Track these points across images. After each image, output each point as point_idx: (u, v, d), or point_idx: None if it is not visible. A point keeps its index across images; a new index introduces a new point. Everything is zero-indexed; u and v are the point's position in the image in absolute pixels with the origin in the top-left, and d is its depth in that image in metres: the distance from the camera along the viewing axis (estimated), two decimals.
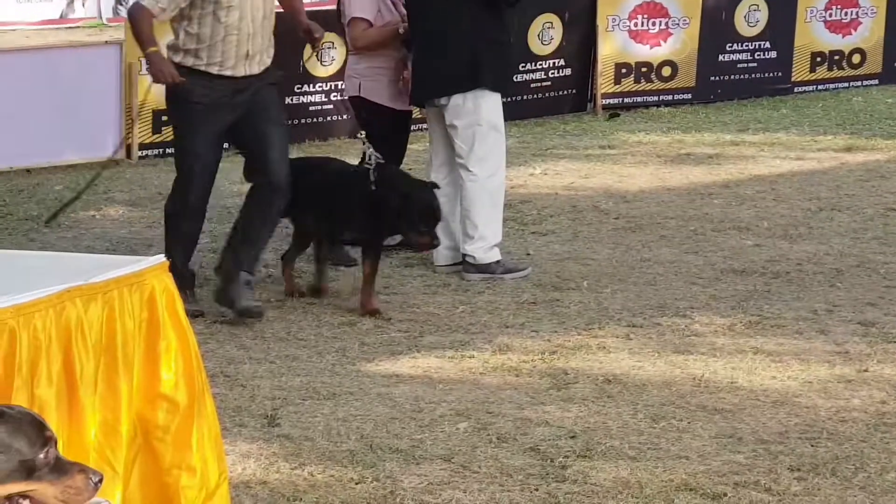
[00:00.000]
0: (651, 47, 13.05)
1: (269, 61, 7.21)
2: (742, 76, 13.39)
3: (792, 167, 10.64)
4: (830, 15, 13.67)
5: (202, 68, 7.07)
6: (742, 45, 13.38)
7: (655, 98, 13.09)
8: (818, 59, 13.68)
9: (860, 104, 13.17)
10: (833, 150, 11.22)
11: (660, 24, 13.05)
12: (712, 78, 13.25)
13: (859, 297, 7.43)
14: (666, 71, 13.11)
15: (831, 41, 13.73)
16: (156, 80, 7.16)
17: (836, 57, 13.76)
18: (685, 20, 13.10)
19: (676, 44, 13.11)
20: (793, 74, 13.60)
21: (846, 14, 13.74)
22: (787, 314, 7.15)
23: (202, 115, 7.10)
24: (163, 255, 4.28)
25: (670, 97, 13.13)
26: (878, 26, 13.89)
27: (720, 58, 13.28)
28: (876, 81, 13.87)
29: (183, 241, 7.27)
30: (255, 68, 7.14)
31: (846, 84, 13.78)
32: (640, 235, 8.78)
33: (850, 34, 13.79)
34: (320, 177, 7.56)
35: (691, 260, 8.22)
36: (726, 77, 13.34)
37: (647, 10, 12.99)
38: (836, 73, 13.77)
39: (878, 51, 13.89)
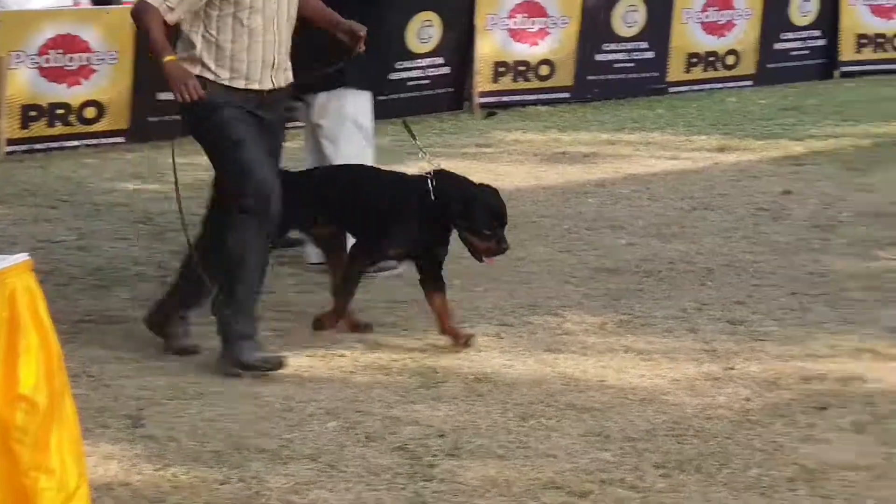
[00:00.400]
0: (529, 46, 13.10)
1: (290, 73, 6.45)
2: (619, 76, 13.48)
3: (666, 167, 10.74)
4: (706, 16, 13.83)
5: (224, 83, 6.22)
6: (619, 45, 13.48)
7: (533, 97, 13.14)
8: (693, 59, 13.83)
9: (734, 105, 13.33)
10: (707, 150, 11.35)
11: (539, 24, 13.10)
12: (590, 77, 13.33)
13: (728, 295, 7.51)
14: (544, 70, 13.16)
15: (707, 42, 13.88)
16: (178, 95, 6.10)
17: (711, 58, 13.91)
18: (564, 19, 13.17)
19: (554, 43, 13.17)
20: (668, 74, 13.73)
21: (722, 16, 13.90)
22: (657, 313, 7.21)
23: (232, 114, 6.23)
24: (26, 254, 4.19)
25: (548, 96, 13.19)
26: (753, 28, 14.07)
27: (597, 57, 13.37)
28: (750, 83, 14.05)
29: (242, 292, 6.30)
30: (281, 80, 6.37)
31: (720, 85, 13.94)
32: (515, 234, 8.74)
33: (725, 35, 13.96)
34: (365, 187, 6.84)
35: (565, 258, 8.26)
36: (603, 77, 13.42)
37: (527, 9, 13.04)
38: (710, 73, 13.93)
39: (752, 52, 14.07)
